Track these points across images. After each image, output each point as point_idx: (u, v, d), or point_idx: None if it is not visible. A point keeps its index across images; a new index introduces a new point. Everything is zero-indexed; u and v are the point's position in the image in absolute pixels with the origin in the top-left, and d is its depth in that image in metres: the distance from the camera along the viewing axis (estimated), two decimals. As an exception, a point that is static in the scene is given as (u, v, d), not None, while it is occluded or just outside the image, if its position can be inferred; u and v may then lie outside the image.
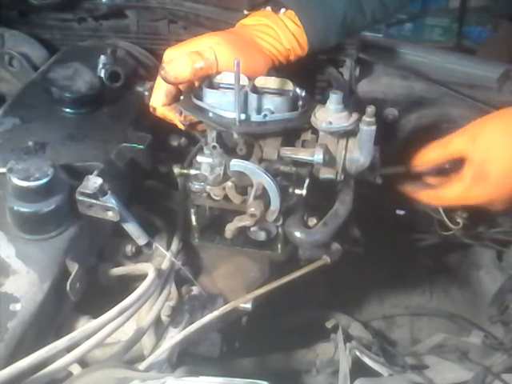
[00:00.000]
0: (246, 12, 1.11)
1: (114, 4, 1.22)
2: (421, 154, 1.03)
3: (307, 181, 0.92)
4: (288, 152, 0.90)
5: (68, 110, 0.98)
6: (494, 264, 1.49)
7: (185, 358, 0.89)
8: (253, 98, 0.87)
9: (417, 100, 1.23)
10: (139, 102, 1.02)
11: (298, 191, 0.91)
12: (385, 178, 1.04)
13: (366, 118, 0.84)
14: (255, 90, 0.89)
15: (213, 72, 0.91)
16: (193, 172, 0.92)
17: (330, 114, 0.87)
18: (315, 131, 0.91)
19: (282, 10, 1.02)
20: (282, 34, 0.99)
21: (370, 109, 0.83)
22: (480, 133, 0.94)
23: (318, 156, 0.87)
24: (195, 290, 0.93)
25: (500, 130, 0.93)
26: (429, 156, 1.02)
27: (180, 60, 0.90)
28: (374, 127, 0.85)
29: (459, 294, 1.59)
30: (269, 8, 1.04)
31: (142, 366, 0.79)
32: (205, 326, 0.84)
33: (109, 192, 0.80)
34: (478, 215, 1.21)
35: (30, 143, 0.88)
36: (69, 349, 0.71)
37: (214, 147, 0.89)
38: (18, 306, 0.73)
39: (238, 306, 0.90)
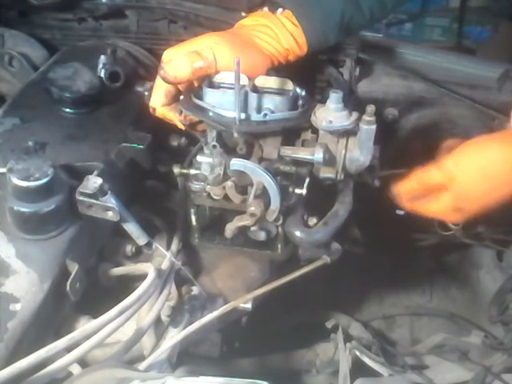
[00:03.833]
0: (243, 14, 1.11)
1: (114, 4, 1.22)
2: (405, 181, 1.04)
3: (307, 180, 0.92)
4: (288, 151, 0.90)
5: (68, 109, 0.98)
6: (494, 264, 1.50)
7: (185, 357, 0.89)
8: (253, 98, 0.87)
9: (417, 100, 1.23)
10: (139, 102, 1.02)
11: (298, 191, 0.91)
12: (384, 179, 1.04)
13: (366, 117, 0.84)
14: (255, 89, 0.89)
15: (212, 72, 0.91)
16: (193, 172, 0.92)
17: (330, 113, 0.87)
18: (315, 130, 0.91)
19: (279, 10, 1.02)
20: (280, 33, 0.99)
21: (370, 108, 0.83)
22: (456, 171, 0.97)
23: (318, 155, 0.87)
24: (195, 290, 0.93)
25: (475, 166, 0.97)
26: (411, 184, 1.04)
27: (179, 60, 0.90)
28: (374, 126, 0.85)
29: (459, 294, 1.59)
30: (266, 8, 1.04)
31: (142, 366, 0.79)
32: (205, 325, 0.84)
33: (109, 192, 0.80)
34: (478, 215, 1.21)
35: (30, 143, 0.88)
36: (69, 349, 0.71)
37: (214, 146, 0.89)
38: (17, 306, 0.73)
39: (238, 306, 0.90)
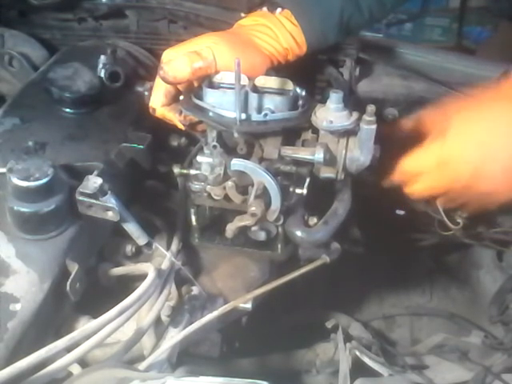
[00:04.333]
0: (243, 14, 1.11)
1: (114, 4, 1.22)
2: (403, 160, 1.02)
3: (308, 180, 0.92)
4: (288, 151, 0.90)
5: (68, 109, 0.98)
6: (494, 264, 1.50)
7: (185, 357, 0.89)
8: (253, 98, 0.87)
9: (417, 100, 1.23)
10: (139, 102, 1.02)
11: (298, 190, 0.91)
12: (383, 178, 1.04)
13: (366, 117, 0.84)
14: (255, 89, 0.89)
15: (211, 72, 0.91)
16: (193, 172, 0.92)
17: (331, 113, 0.87)
18: (315, 130, 0.91)
19: (278, 9, 1.02)
20: (279, 33, 0.99)
21: (370, 108, 0.83)
22: (449, 139, 0.94)
23: (318, 155, 0.87)
24: (195, 290, 0.93)
25: (469, 132, 0.94)
26: (411, 162, 1.01)
27: (179, 60, 0.90)
28: (374, 126, 0.85)
29: (459, 294, 1.59)
30: (265, 8, 1.04)
31: (142, 366, 0.79)
32: (205, 325, 0.84)
33: (109, 192, 0.80)
34: (478, 215, 1.21)
35: (30, 143, 0.88)
36: (69, 349, 0.71)
37: (215, 147, 0.89)
38: (17, 306, 0.73)
39: (238, 306, 0.90)
